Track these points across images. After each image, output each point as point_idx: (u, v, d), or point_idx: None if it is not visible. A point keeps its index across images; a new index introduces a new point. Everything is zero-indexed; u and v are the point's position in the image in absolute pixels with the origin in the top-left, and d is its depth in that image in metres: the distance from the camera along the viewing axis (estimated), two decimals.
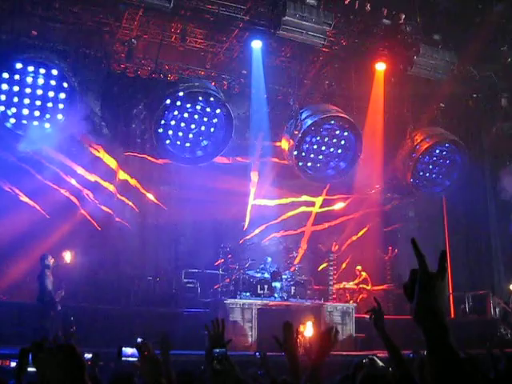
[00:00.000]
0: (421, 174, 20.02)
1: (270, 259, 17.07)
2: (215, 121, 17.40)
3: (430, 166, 20.14)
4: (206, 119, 17.38)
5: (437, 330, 1.75)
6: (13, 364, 7.33)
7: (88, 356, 6.96)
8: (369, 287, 18.43)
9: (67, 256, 14.95)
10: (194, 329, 13.89)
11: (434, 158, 20.01)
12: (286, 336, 3.71)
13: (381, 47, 17.01)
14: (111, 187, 17.44)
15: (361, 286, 18.43)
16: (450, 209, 20.34)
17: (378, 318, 3.67)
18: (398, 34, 16.56)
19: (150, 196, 17.99)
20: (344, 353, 13.74)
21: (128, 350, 5.23)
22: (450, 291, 19.33)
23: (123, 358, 5.36)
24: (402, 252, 18.68)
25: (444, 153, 19.96)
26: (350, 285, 18.45)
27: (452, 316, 19.24)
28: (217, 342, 3.39)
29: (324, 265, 18.90)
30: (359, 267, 18.69)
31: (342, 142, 18.68)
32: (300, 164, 18.50)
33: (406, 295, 1.87)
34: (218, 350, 3.22)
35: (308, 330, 15.00)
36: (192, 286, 17.24)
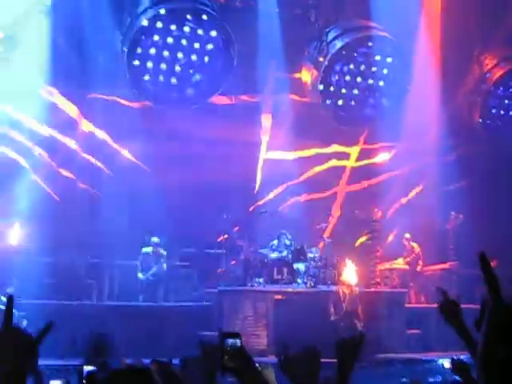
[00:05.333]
0: (493, 111, 19.76)
1: (289, 235, 17.17)
2: (210, 47, 17.24)
3: (506, 101, 19.84)
4: (197, 45, 17.21)
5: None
6: None
7: None
8: (419, 267, 18.37)
9: (13, 234, 15.20)
10: (190, 329, 14.12)
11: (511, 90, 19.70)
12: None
13: None
14: (72, 143, 17.58)
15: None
16: None
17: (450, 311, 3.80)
18: None
19: (126, 153, 18.07)
20: (392, 355, 14.66)
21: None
22: None
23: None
24: (468, 219, 18.51)
25: None
26: (399, 263, 18.38)
27: None
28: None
29: (363, 238, 18.81)
30: (408, 235, 18.59)
31: (385, 71, 18.39)
32: (327, 102, 18.32)
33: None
34: (230, 342, 3.28)
35: (350, 274, 15.79)
36: (187, 270, 17.26)
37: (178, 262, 17.36)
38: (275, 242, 17.12)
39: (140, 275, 16.31)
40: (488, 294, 1.78)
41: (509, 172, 19.61)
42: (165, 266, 16.50)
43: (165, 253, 16.62)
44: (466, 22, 18.68)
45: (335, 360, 3.54)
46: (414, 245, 18.50)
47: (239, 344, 3.31)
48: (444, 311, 3.79)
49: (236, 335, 3.36)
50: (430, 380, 11.08)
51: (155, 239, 16.55)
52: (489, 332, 1.76)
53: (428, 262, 18.73)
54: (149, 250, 16.53)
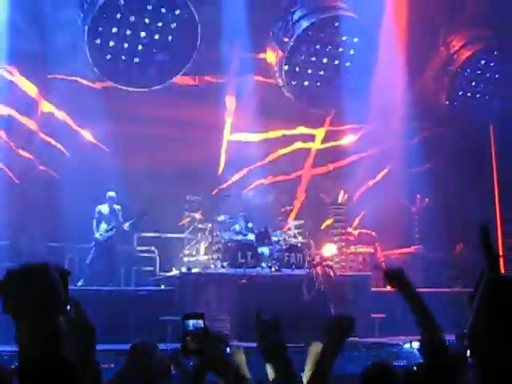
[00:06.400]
0: (460, 93, 20.01)
1: (250, 223, 17.21)
2: (174, 26, 17.44)
3: (473, 83, 20.05)
4: (160, 24, 17.39)
5: (497, 352, 1.77)
6: None
7: None
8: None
9: None
10: (152, 314, 14.32)
11: (479, 72, 19.89)
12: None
13: None
14: (31, 124, 17.52)
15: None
16: (500, 141, 19.79)
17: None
18: None
19: (86, 134, 18.05)
20: (357, 339, 13.56)
21: None
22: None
23: None
24: (434, 201, 18.93)
25: (492, 64, 19.83)
26: (365, 248, 18.72)
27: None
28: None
29: (329, 221, 19.20)
30: (350, 229, 18.77)
31: (351, 52, 18.70)
32: (293, 83, 18.67)
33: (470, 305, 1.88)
34: (192, 323, 3.25)
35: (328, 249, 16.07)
36: (148, 255, 17.54)
37: (140, 245, 17.61)
38: (236, 226, 17.03)
39: (97, 235, 16.10)
40: (485, 267, 1.75)
41: (474, 155, 19.82)
42: (125, 225, 16.37)
43: (120, 207, 16.36)
44: (432, 3, 18.86)
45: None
46: (364, 231, 18.94)
47: (202, 325, 3.23)
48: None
49: (199, 316, 3.28)
50: (395, 364, 10.61)
51: (111, 193, 16.29)
52: (480, 306, 1.73)
53: (393, 246, 18.97)
54: (105, 208, 16.29)
